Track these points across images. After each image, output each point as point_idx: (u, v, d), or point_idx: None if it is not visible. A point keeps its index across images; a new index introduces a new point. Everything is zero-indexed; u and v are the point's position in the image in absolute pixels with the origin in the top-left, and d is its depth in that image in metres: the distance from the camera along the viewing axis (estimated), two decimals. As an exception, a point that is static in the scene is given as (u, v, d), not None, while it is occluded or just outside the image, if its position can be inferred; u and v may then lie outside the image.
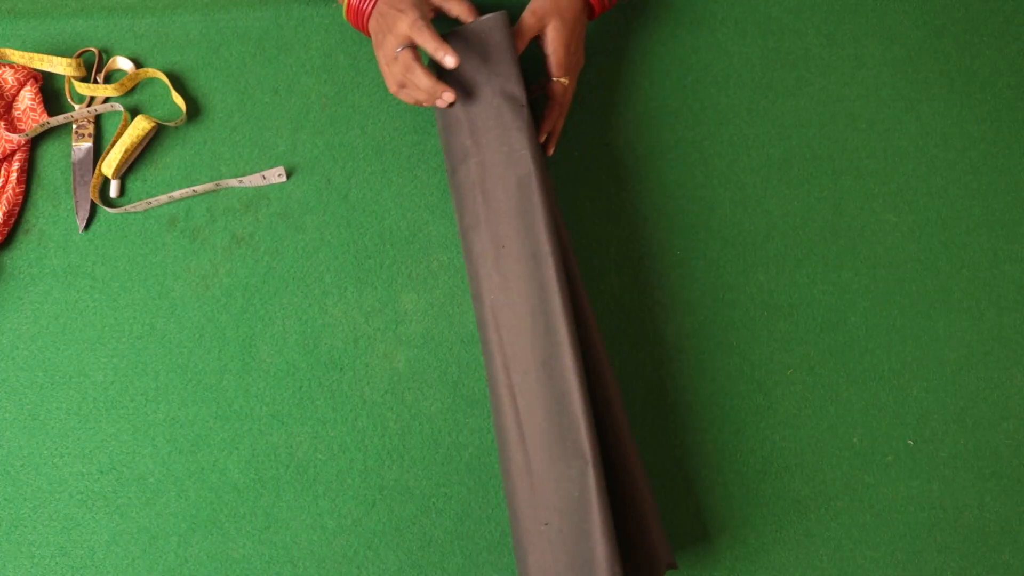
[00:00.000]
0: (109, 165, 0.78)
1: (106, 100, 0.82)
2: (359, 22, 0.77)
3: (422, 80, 0.73)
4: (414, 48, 0.73)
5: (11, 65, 0.80)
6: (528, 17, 0.76)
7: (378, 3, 0.75)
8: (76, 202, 0.80)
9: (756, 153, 0.84)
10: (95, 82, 0.82)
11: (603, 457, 0.73)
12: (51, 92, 0.82)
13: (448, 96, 0.73)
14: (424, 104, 0.75)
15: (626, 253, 0.81)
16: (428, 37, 0.72)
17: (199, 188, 0.79)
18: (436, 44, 0.73)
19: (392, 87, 0.76)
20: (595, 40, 0.85)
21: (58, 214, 0.80)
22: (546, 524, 0.69)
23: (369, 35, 0.78)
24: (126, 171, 0.81)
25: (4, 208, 0.78)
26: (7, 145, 0.78)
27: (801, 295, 0.81)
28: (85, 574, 0.75)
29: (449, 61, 0.72)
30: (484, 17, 0.75)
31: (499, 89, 0.74)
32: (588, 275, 0.81)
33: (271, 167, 0.81)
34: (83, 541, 0.75)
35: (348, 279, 0.80)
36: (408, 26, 0.72)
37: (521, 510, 0.70)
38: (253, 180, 0.80)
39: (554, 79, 0.77)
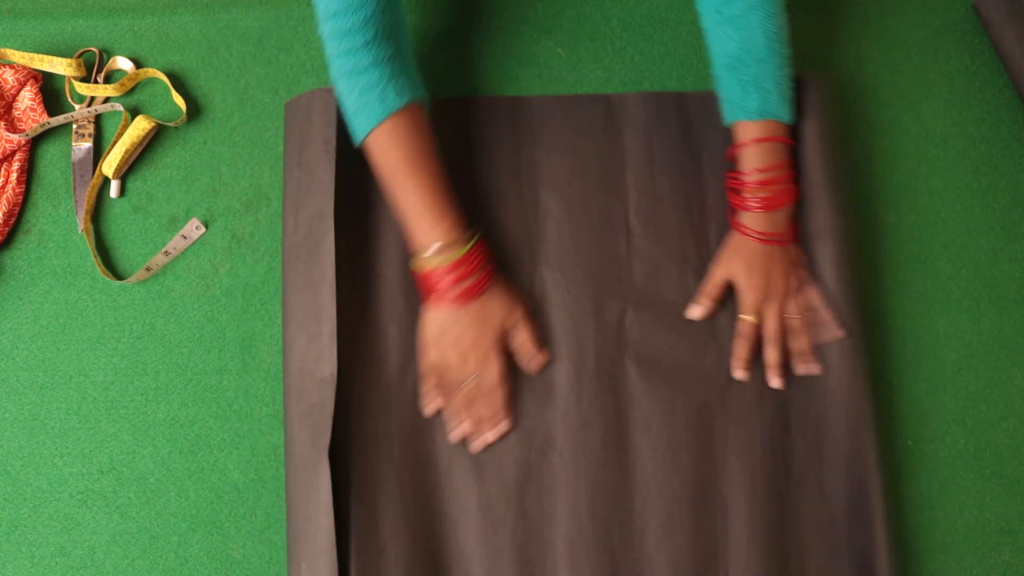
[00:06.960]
0: (109, 165, 0.78)
1: (106, 100, 0.82)
2: (422, 289, 0.72)
3: (496, 400, 0.68)
4: (505, 363, 0.70)
5: (11, 65, 0.80)
6: (713, 269, 0.75)
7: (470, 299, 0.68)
8: (76, 202, 0.80)
9: (756, 153, 0.83)
10: (95, 82, 0.82)
11: None
12: (51, 92, 0.82)
13: (490, 436, 0.69)
14: (458, 422, 0.70)
15: (626, 253, 0.81)
16: (527, 336, 0.68)
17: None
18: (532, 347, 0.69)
19: (431, 382, 0.71)
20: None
21: (58, 214, 0.80)
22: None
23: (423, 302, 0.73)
24: (126, 171, 0.81)
25: (4, 208, 0.78)
26: (7, 145, 0.78)
27: (801, 295, 0.81)
28: (85, 574, 0.75)
29: (537, 362, 0.69)
30: None
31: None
32: (588, 275, 0.80)
33: (271, 167, 0.81)
34: (83, 541, 0.75)
35: (348, 279, 0.79)
36: (512, 321, 0.69)
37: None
38: (177, 244, 0.78)
39: (740, 316, 0.74)
